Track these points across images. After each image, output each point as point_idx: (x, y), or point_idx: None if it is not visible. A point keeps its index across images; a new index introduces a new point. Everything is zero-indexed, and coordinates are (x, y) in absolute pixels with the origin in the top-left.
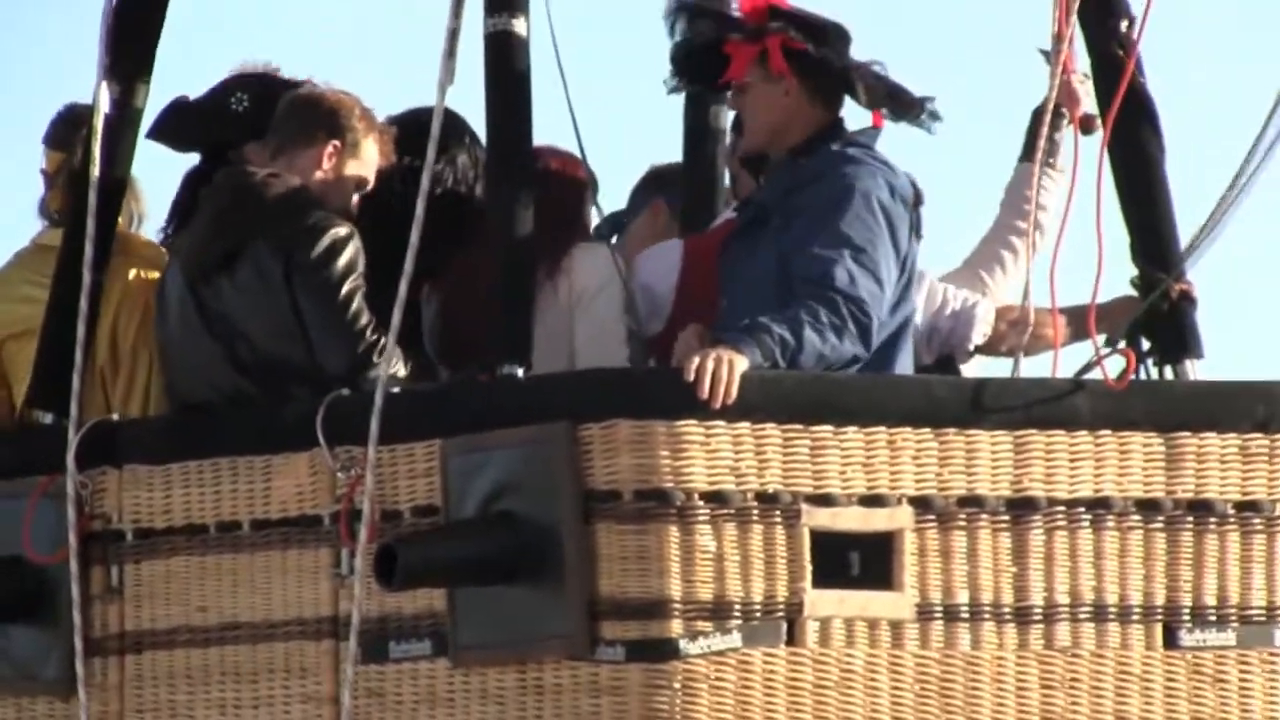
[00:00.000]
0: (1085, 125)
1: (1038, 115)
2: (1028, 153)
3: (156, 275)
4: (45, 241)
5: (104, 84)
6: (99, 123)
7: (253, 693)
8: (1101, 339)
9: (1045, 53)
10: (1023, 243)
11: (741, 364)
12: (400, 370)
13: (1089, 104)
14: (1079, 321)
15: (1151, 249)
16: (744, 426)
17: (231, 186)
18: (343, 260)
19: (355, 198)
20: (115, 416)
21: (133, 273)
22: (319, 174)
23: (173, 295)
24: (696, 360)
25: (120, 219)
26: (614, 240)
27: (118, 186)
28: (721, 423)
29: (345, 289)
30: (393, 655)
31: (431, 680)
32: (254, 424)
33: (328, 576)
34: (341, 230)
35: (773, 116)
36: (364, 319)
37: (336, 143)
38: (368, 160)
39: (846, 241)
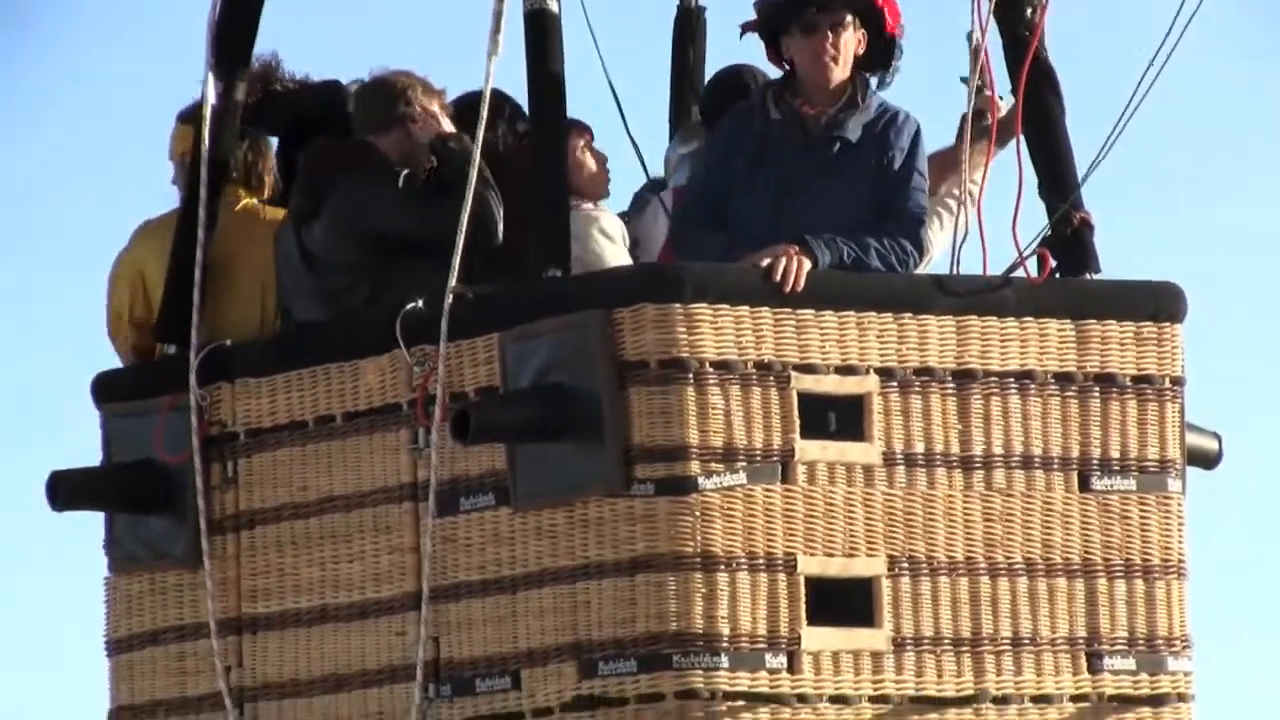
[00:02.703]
0: (1002, 135)
1: (964, 120)
2: (958, 140)
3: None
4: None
5: (210, 80)
6: (208, 112)
7: (348, 550)
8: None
9: (965, 79)
10: (956, 204)
11: (809, 264)
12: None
13: (1003, 107)
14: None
15: (1056, 186)
16: (744, 310)
17: (318, 154)
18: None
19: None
20: (228, 342)
21: (253, 224)
22: (401, 148)
23: (285, 239)
24: (776, 254)
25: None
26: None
27: (223, 163)
28: (726, 306)
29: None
30: (462, 508)
31: (495, 525)
32: (341, 336)
33: (407, 452)
34: (403, 174)
35: (850, 60)
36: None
37: (408, 119)
38: (434, 125)
39: (922, 194)
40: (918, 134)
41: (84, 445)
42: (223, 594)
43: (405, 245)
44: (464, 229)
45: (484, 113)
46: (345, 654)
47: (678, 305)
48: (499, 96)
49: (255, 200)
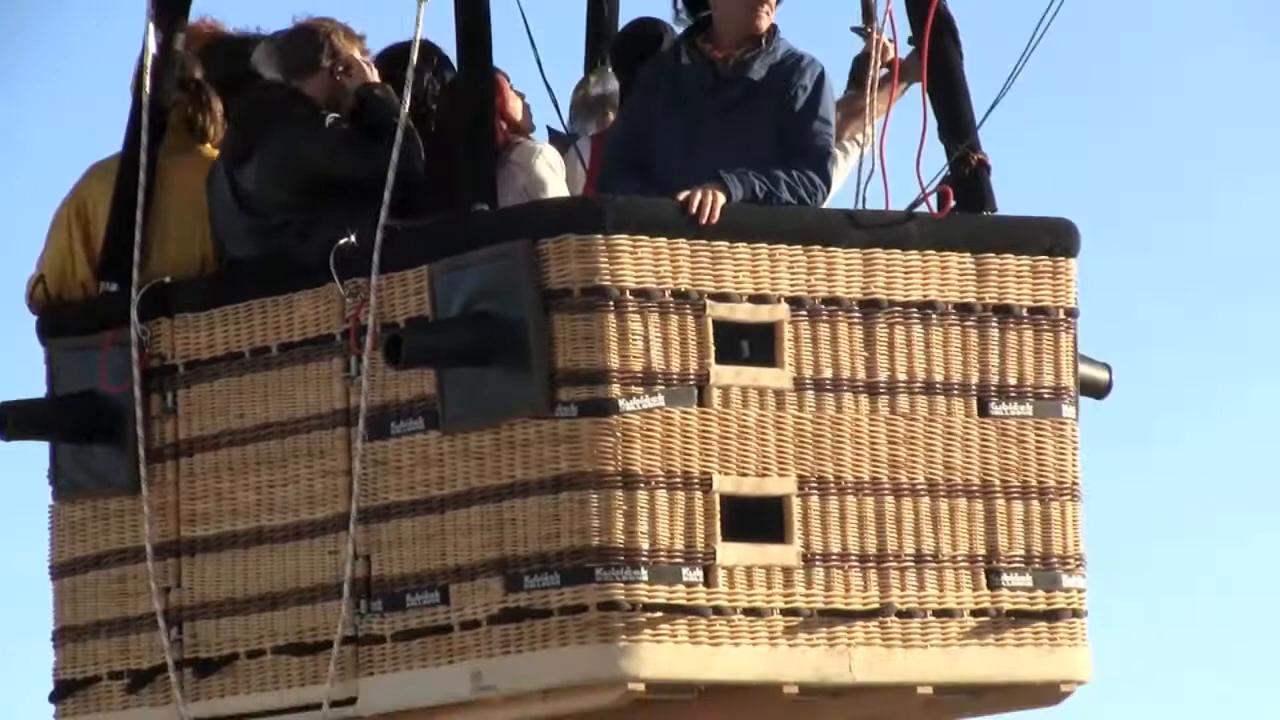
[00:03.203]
0: (904, 78)
1: (859, 61)
2: (854, 82)
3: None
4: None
5: (151, 30)
6: (149, 61)
7: (283, 474)
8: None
9: (857, 29)
10: (854, 146)
11: (723, 198)
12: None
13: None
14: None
15: (955, 129)
16: (662, 241)
17: (249, 100)
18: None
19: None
20: (168, 279)
21: (191, 170)
22: (325, 93)
23: (218, 181)
24: (692, 191)
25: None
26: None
27: (163, 109)
28: (645, 238)
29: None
30: (393, 433)
31: (425, 448)
32: (276, 271)
33: (339, 380)
34: (330, 117)
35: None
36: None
37: (331, 64)
38: (360, 68)
39: (827, 132)
40: (822, 76)
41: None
42: (161, 518)
43: (334, 187)
44: (394, 168)
45: (414, 57)
46: (280, 573)
47: (599, 236)
48: (428, 46)
49: (198, 147)
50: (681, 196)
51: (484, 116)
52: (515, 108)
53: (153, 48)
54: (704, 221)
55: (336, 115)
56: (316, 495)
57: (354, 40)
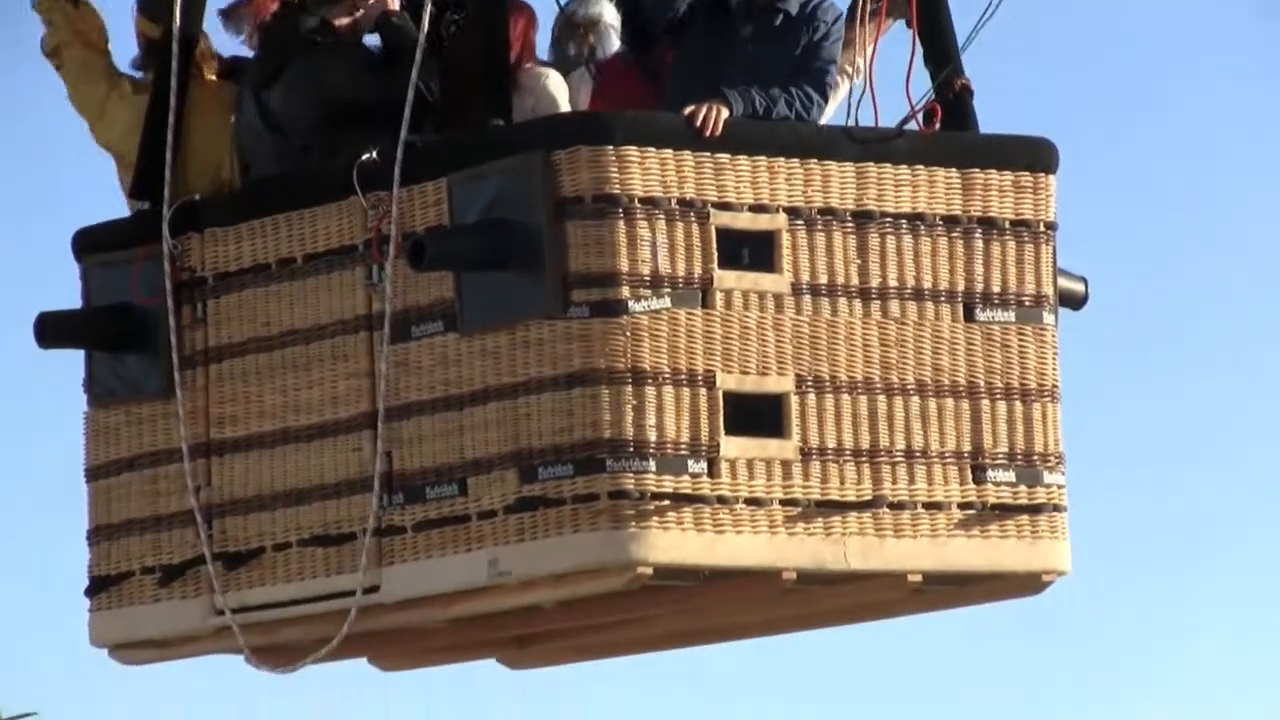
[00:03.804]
0: (893, 11)
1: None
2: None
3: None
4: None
5: None
6: None
7: (307, 378)
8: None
9: None
10: (844, 79)
11: (725, 113)
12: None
13: None
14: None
15: (939, 56)
16: (669, 153)
17: (276, 27)
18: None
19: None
20: (197, 197)
21: (210, 98)
22: (348, 20)
23: (246, 104)
24: (696, 106)
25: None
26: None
27: (192, 40)
28: (653, 149)
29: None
30: (414, 335)
31: (444, 349)
32: (301, 187)
33: (362, 287)
34: (356, 44)
35: None
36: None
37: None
38: (381, 4)
39: (833, 56)
40: (840, 15)
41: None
42: (193, 422)
43: (355, 108)
44: (413, 87)
45: None
46: (306, 471)
47: (610, 148)
48: None
49: (211, 77)
50: (686, 111)
51: (498, 40)
52: (531, 38)
53: None
54: (707, 134)
55: (360, 43)
56: (340, 396)
57: None
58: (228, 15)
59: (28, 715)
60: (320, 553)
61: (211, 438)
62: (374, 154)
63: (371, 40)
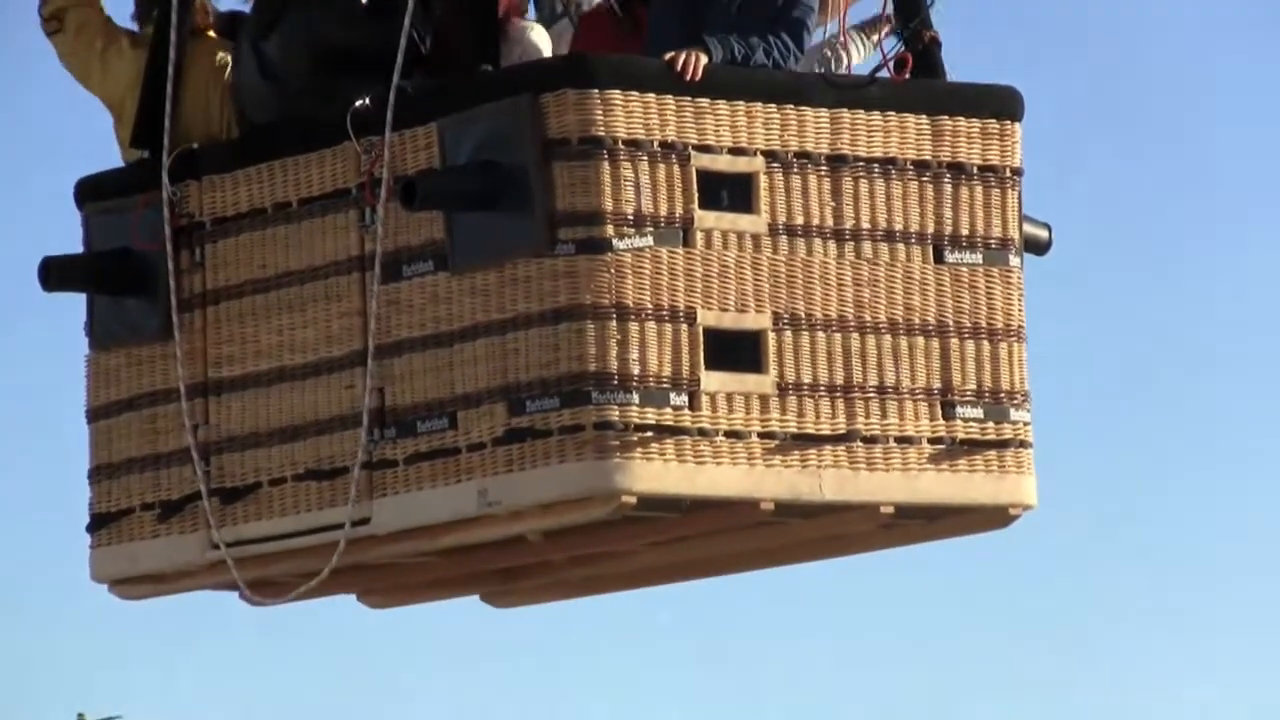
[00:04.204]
0: None
1: None
2: None
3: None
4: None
5: None
6: None
7: (302, 317)
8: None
9: None
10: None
11: (705, 59)
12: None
13: None
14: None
15: (908, 8)
16: (651, 97)
17: None
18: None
19: None
20: (195, 145)
21: (203, 53)
22: None
23: (244, 53)
24: (677, 52)
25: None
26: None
27: None
28: (636, 93)
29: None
30: (405, 275)
31: (435, 288)
32: (296, 133)
33: (355, 229)
34: None
35: None
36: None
37: None
38: None
39: (810, 8)
40: None
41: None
42: (191, 362)
43: (349, 57)
44: (405, 34)
45: None
46: (301, 407)
47: (595, 91)
48: None
49: (206, 33)
50: (668, 57)
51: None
52: None
53: None
54: (687, 79)
55: None
56: (334, 335)
57: None
58: None
59: (114, 718)
60: (314, 486)
61: (209, 377)
62: (367, 101)
63: None
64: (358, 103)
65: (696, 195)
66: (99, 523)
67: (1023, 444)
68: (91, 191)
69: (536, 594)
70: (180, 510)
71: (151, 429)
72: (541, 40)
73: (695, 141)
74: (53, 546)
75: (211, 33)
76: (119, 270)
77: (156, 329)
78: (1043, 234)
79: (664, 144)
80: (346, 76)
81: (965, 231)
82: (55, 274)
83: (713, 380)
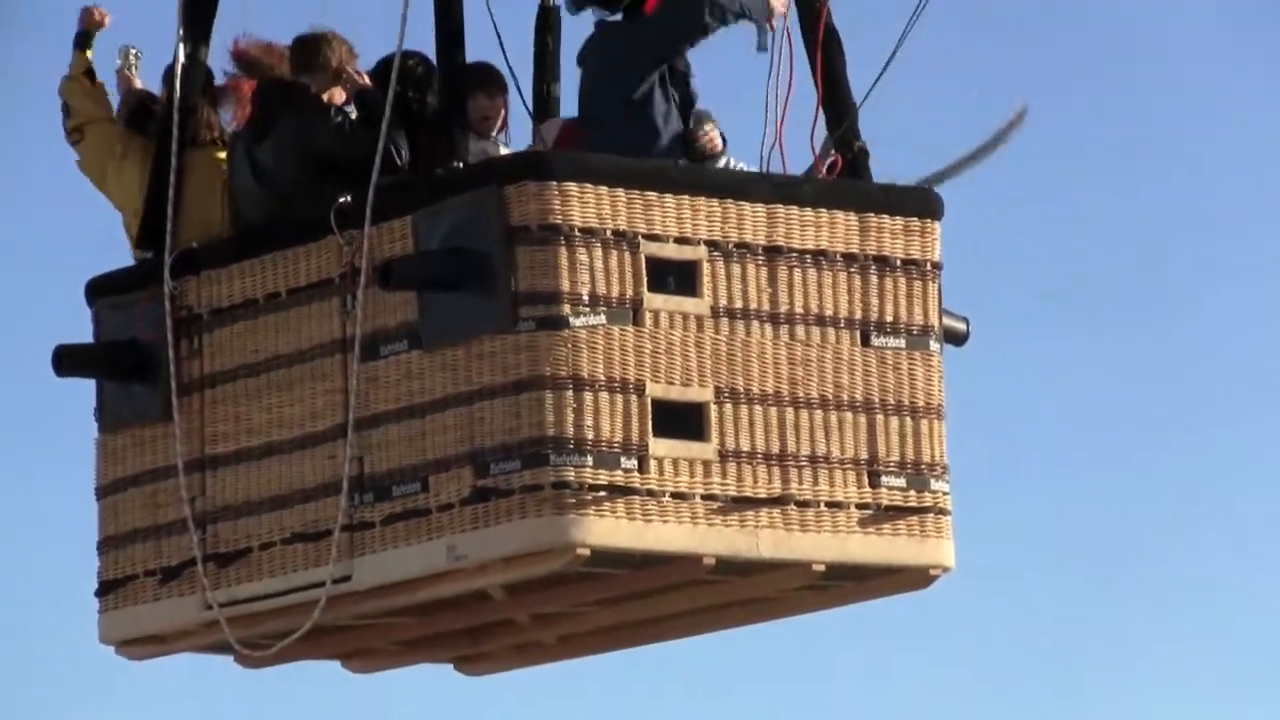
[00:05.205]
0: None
1: None
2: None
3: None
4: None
5: (181, 44)
6: (179, 69)
7: (290, 396)
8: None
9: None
10: None
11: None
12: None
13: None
14: None
15: (838, 112)
16: (604, 189)
17: (265, 90)
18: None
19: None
20: (194, 245)
21: (205, 161)
22: (325, 89)
23: (239, 159)
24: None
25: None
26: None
27: (191, 108)
28: (590, 186)
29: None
30: (382, 354)
31: (409, 364)
32: (286, 230)
33: (338, 314)
34: (334, 108)
35: None
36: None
37: (334, 67)
38: (354, 76)
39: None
40: None
41: None
42: (189, 440)
43: (335, 164)
44: (384, 139)
45: (395, 69)
46: (288, 478)
47: (554, 183)
48: (426, 64)
49: (210, 143)
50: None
51: (456, 104)
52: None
53: (182, 57)
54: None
55: (339, 107)
56: (319, 411)
57: (351, 54)
58: (217, 101)
59: None
60: (300, 548)
61: (206, 453)
62: (348, 198)
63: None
64: (340, 200)
65: (645, 279)
66: (107, 589)
67: (941, 511)
68: (100, 289)
69: (503, 658)
70: (179, 575)
71: (153, 502)
72: (499, 149)
73: (644, 231)
74: (66, 611)
75: (217, 143)
76: (125, 357)
77: (159, 411)
78: (960, 326)
79: (616, 232)
80: (331, 180)
81: (890, 318)
82: (68, 361)
83: (660, 446)
